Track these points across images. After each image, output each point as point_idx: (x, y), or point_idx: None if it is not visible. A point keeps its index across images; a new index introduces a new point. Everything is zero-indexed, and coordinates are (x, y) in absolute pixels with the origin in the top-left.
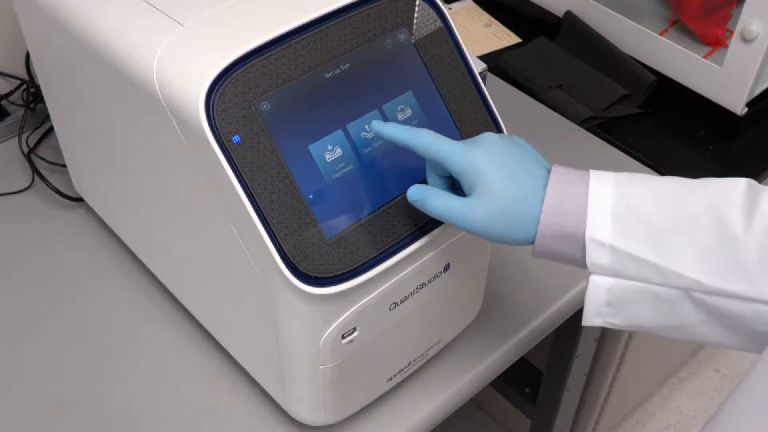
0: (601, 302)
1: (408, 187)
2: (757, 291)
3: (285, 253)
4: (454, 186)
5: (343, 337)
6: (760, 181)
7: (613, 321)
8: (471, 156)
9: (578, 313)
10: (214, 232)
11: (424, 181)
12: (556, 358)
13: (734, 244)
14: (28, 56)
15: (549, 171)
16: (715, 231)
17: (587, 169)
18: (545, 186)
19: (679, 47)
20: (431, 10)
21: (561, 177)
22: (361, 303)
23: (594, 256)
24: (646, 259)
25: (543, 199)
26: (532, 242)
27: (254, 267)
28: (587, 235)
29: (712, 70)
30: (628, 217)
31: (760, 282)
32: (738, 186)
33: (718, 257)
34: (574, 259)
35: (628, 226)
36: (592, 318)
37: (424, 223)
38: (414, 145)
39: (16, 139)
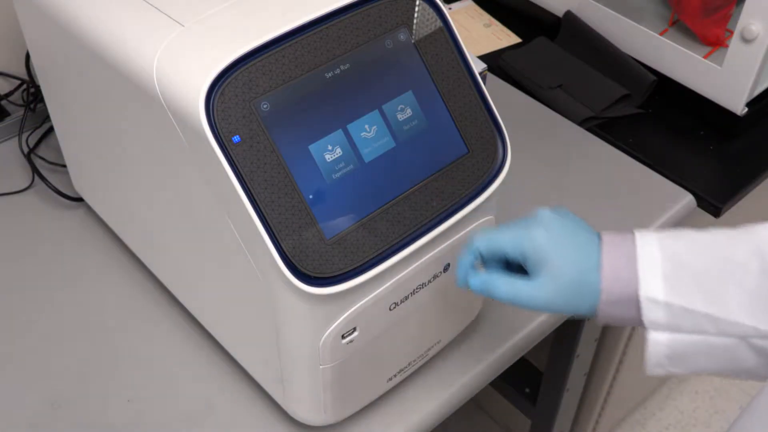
0: (662, 356)
1: (407, 186)
2: None
3: (285, 253)
4: (509, 264)
5: (343, 337)
6: (760, 182)
7: (675, 370)
8: (532, 239)
9: None
10: (214, 232)
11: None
12: (556, 358)
13: None
14: (28, 56)
15: (598, 238)
16: (763, 275)
17: (632, 231)
18: (599, 255)
19: (679, 47)
20: (431, 10)
21: (611, 242)
22: (361, 303)
23: (650, 314)
24: (701, 311)
25: (599, 269)
26: (595, 312)
27: (254, 267)
28: (642, 295)
29: (712, 70)
30: (678, 273)
31: None
32: None
33: None
34: (633, 319)
35: (679, 281)
36: (654, 369)
37: (423, 223)
38: (477, 247)
39: (16, 139)
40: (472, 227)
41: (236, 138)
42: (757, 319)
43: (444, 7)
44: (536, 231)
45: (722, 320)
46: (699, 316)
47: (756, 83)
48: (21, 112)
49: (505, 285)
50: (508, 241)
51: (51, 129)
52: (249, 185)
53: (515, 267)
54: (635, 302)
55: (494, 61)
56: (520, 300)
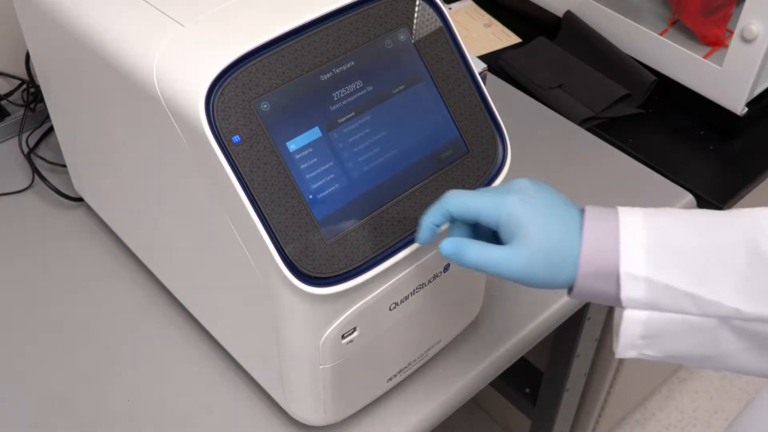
0: (637, 336)
1: (407, 186)
2: None
3: (285, 253)
4: (476, 232)
5: (343, 337)
6: (760, 182)
7: (648, 353)
8: (507, 205)
9: (578, 313)
10: (214, 232)
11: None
12: (556, 358)
13: None
14: (28, 56)
15: (581, 212)
16: (750, 258)
17: (615, 206)
18: (580, 228)
19: (679, 47)
20: (431, 10)
21: (594, 215)
22: (361, 303)
23: (629, 290)
24: (683, 290)
25: (580, 241)
26: (572, 284)
27: (254, 267)
28: (622, 269)
29: (712, 70)
30: (662, 250)
31: None
32: (766, 213)
33: (756, 284)
34: (609, 296)
35: (662, 258)
36: (626, 350)
37: None
38: (446, 208)
39: (16, 139)
40: None
41: (236, 138)
42: (740, 300)
43: (444, 7)
44: (512, 197)
45: (704, 300)
46: (680, 294)
47: (756, 83)
48: (21, 112)
49: (476, 250)
50: (483, 205)
51: (51, 129)
52: (249, 185)
53: (483, 234)
54: (615, 277)
55: (494, 61)
56: (491, 267)
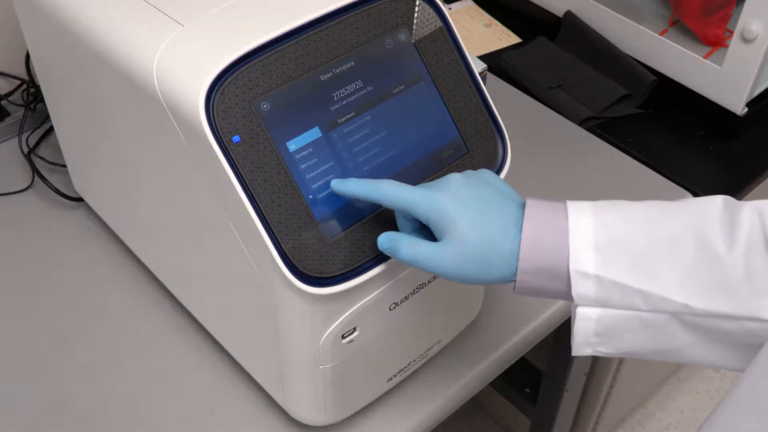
0: (590, 333)
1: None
2: (745, 309)
3: (285, 253)
4: (424, 229)
5: (343, 337)
6: (760, 182)
7: (603, 350)
8: (436, 201)
9: None
10: (214, 232)
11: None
12: (556, 358)
13: (719, 264)
14: (28, 56)
15: (522, 206)
16: (697, 252)
17: (563, 200)
18: (519, 222)
19: (679, 47)
20: (431, 10)
21: (537, 211)
22: (361, 303)
23: (580, 287)
24: (632, 286)
25: (518, 236)
26: (511, 281)
27: (254, 267)
28: (571, 267)
29: (712, 70)
30: (611, 246)
31: (748, 299)
32: (715, 204)
33: (704, 278)
34: (557, 292)
35: (611, 254)
36: (581, 348)
37: None
38: (376, 199)
39: (16, 139)
40: None
41: (236, 138)
42: (689, 295)
43: (444, 7)
44: (441, 194)
45: (654, 296)
46: (630, 291)
47: (756, 83)
48: (21, 112)
49: (408, 246)
50: (415, 200)
51: (51, 129)
52: (249, 185)
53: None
54: (561, 274)
55: (494, 61)
56: (423, 263)
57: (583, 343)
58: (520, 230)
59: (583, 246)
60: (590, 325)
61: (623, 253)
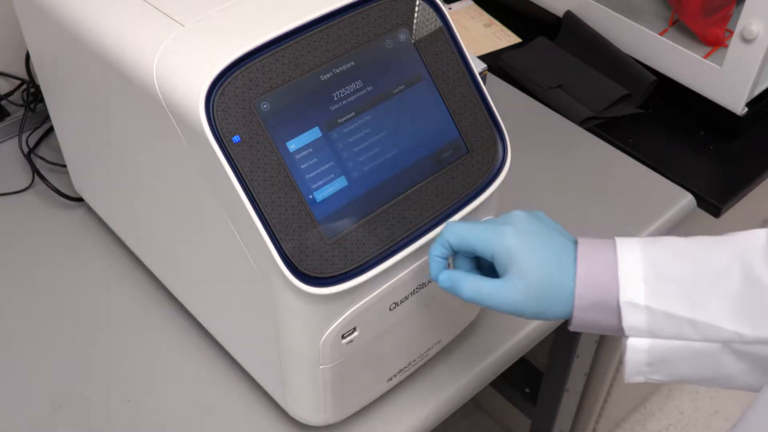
0: (642, 363)
1: (407, 186)
2: None
3: (285, 253)
4: (480, 266)
5: (343, 337)
6: (760, 182)
7: (654, 377)
8: (501, 237)
9: None
10: (214, 232)
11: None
12: (556, 358)
13: (766, 292)
14: (28, 56)
15: (575, 243)
16: (744, 281)
17: (611, 237)
18: (575, 260)
19: (679, 47)
20: (431, 10)
21: (589, 248)
22: (361, 303)
23: (630, 319)
24: (683, 316)
25: (574, 273)
26: (568, 317)
27: (254, 267)
28: (621, 299)
29: (712, 70)
30: (660, 278)
31: None
32: (759, 236)
33: (752, 307)
34: (610, 327)
35: (660, 286)
36: (633, 377)
37: (424, 223)
38: (446, 239)
39: (16, 139)
40: None
41: (236, 138)
42: (739, 324)
43: (444, 7)
44: (506, 230)
45: (704, 325)
46: (681, 321)
47: (756, 83)
48: (21, 112)
49: (470, 284)
50: (478, 237)
51: (51, 129)
52: (249, 185)
53: (487, 265)
54: (613, 308)
55: (494, 61)
56: (485, 300)
57: (634, 372)
58: (574, 268)
59: (632, 278)
60: (641, 356)
61: (672, 285)
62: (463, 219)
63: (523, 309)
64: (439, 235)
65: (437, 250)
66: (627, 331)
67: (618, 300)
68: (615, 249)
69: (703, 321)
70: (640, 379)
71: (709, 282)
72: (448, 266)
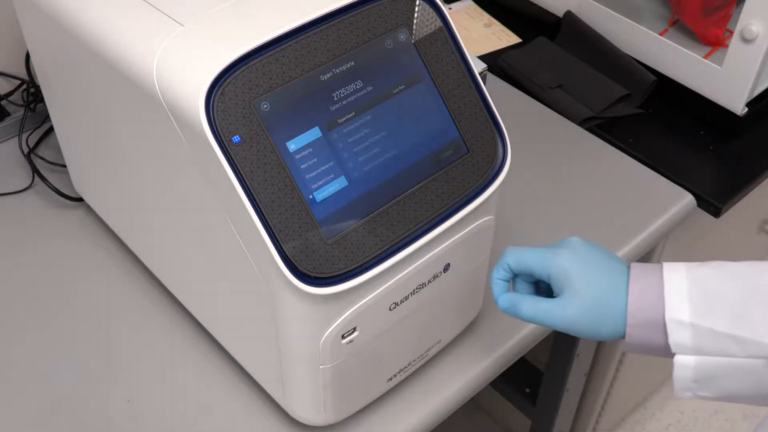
0: (689, 380)
1: (407, 186)
2: None
3: (285, 253)
4: (539, 291)
5: (343, 337)
6: (760, 182)
7: (702, 394)
8: (557, 258)
9: None
10: (214, 232)
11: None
12: (556, 358)
13: None
14: (28, 56)
15: (628, 268)
16: None
17: (659, 262)
18: (627, 282)
19: (679, 47)
20: (431, 10)
21: (640, 271)
22: (361, 303)
23: (676, 335)
24: (727, 333)
25: (626, 294)
26: (620, 336)
27: (254, 267)
28: (667, 317)
29: (712, 70)
30: (705, 296)
31: None
32: None
33: None
34: (660, 346)
35: (705, 303)
36: (682, 393)
37: (424, 223)
38: (506, 262)
39: (16, 139)
40: (473, 227)
41: (236, 138)
42: None
43: (444, 7)
44: (563, 252)
45: (749, 341)
46: (725, 337)
47: (756, 83)
48: (21, 112)
49: (529, 304)
50: (536, 259)
51: (51, 129)
52: (249, 185)
53: (545, 289)
54: (661, 326)
55: (494, 61)
56: (543, 319)
57: (682, 389)
58: (626, 289)
59: (677, 297)
60: (688, 373)
61: (716, 303)
62: (465, 219)
63: (578, 327)
64: (500, 258)
65: (498, 273)
66: (673, 348)
67: (664, 318)
68: (662, 271)
69: (747, 338)
70: (688, 395)
71: (753, 300)
72: (509, 290)
